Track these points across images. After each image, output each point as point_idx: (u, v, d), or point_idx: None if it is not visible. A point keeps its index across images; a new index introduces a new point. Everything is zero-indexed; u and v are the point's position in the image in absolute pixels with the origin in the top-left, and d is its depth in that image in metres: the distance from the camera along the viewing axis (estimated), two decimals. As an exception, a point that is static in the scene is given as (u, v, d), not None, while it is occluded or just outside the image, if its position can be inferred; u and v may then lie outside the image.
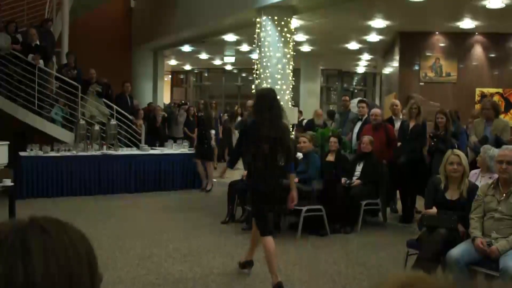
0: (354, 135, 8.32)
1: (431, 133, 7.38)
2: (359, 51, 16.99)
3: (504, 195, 4.14)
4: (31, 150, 9.21)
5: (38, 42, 11.24)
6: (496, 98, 12.82)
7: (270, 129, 4.35)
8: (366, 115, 8.29)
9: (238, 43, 16.27)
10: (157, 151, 10.63)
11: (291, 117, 10.16)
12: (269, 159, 4.37)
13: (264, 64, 10.63)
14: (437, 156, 6.94)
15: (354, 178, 7.17)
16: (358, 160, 7.34)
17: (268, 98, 4.62)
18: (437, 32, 13.38)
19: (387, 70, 16.78)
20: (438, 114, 7.37)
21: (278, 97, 4.75)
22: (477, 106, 12.38)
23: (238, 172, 8.68)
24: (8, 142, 8.60)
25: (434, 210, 4.58)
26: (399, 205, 8.08)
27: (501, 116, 7.97)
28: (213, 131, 10.44)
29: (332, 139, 7.35)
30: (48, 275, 0.77)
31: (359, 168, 7.24)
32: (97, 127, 10.27)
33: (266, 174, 4.40)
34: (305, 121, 12.59)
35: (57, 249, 0.80)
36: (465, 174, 4.57)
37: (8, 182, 6.53)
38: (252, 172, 4.52)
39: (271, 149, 4.35)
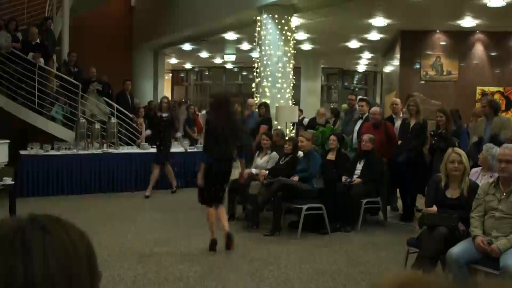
0: (355, 134, 8.31)
1: (431, 132, 7.38)
2: (360, 50, 16.98)
3: (505, 194, 4.14)
4: (32, 148, 9.21)
5: (38, 41, 11.24)
6: (496, 96, 12.82)
7: (224, 125, 5.64)
8: (367, 114, 8.28)
9: (238, 41, 16.27)
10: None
11: (292, 115, 10.17)
12: (223, 146, 5.65)
13: (265, 62, 10.63)
14: (437, 154, 6.94)
15: (355, 176, 7.16)
16: (358, 158, 7.33)
17: (224, 102, 5.93)
18: (438, 31, 13.37)
19: (387, 69, 16.77)
20: (438, 112, 7.37)
21: (231, 101, 6.22)
22: (478, 105, 12.38)
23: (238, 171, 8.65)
24: (8, 141, 8.60)
25: (434, 208, 4.58)
26: (399, 204, 8.08)
27: (502, 114, 7.89)
28: (179, 134, 9.78)
29: (331, 137, 7.34)
30: (48, 275, 0.77)
31: (359, 167, 7.23)
32: (97, 126, 10.27)
33: (221, 157, 5.69)
34: (305, 119, 12.60)
35: (57, 249, 0.80)
36: (466, 172, 4.57)
37: (8, 181, 6.53)
38: (210, 154, 5.74)
39: (225, 139, 5.64)
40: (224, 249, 5.89)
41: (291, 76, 10.84)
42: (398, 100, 8.86)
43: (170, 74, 26.11)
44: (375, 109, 7.95)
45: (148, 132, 9.35)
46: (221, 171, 5.78)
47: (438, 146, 7.08)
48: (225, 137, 5.66)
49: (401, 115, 8.33)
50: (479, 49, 13.34)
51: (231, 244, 5.79)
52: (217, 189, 5.82)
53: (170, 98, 10.19)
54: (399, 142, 7.69)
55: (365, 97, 9.42)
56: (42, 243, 0.79)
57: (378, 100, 20.52)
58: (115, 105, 11.41)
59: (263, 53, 10.66)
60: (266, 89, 10.57)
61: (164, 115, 9.40)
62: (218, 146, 5.66)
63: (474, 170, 5.37)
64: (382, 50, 16.77)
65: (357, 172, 7.21)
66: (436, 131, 7.27)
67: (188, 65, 24.14)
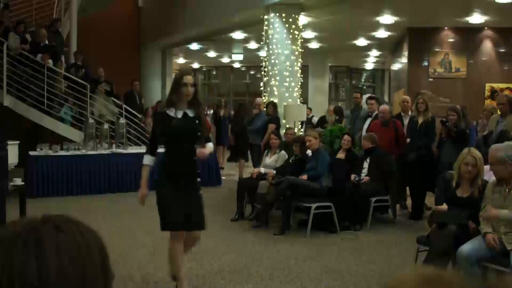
0: (364, 132, 8.30)
1: (443, 119, 7.33)
2: (368, 48, 16.93)
3: (506, 190, 4.14)
4: (41, 149, 9.26)
5: (47, 42, 11.30)
6: (506, 93, 12.74)
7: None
8: (376, 112, 8.27)
9: (246, 40, 16.27)
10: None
11: (300, 114, 10.15)
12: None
13: (272, 61, 10.62)
14: (445, 147, 6.96)
15: (363, 174, 7.14)
16: (365, 156, 7.33)
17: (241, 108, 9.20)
18: (446, 28, 13.30)
19: (395, 66, 16.71)
20: (449, 111, 7.35)
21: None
22: (487, 102, 12.31)
23: (247, 170, 8.65)
24: (18, 142, 8.65)
25: (444, 206, 4.56)
26: (408, 202, 8.05)
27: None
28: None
29: (346, 137, 7.33)
30: (62, 274, 0.78)
31: (366, 165, 7.22)
32: (106, 126, 10.30)
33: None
34: (314, 118, 12.62)
35: (71, 248, 0.80)
36: (479, 176, 4.51)
37: (18, 182, 6.56)
38: None
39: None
40: (234, 247, 5.90)
41: (299, 75, 10.82)
42: (408, 98, 8.82)
43: (178, 74, 26.11)
44: (384, 107, 7.94)
45: None
46: None
47: (449, 134, 7.06)
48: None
49: (409, 113, 8.31)
50: (487, 45, 13.26)
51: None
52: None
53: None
54: (408, 140, 7.67)
55: (374, 95, 9.40)
56: (55, 242, 0.79)
57: (386, 98, 20.47)
58: (124, 105, 11.46)
59: (271, 52, 10.64)
60: (274, 88, 10.56)
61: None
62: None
63: (487, 167, 5.32)
64: (390, 48, 16.70)
65: (365, 170, 7.20)
66: (448, 122, 7.28)
67: (195, 65, 24.18)
